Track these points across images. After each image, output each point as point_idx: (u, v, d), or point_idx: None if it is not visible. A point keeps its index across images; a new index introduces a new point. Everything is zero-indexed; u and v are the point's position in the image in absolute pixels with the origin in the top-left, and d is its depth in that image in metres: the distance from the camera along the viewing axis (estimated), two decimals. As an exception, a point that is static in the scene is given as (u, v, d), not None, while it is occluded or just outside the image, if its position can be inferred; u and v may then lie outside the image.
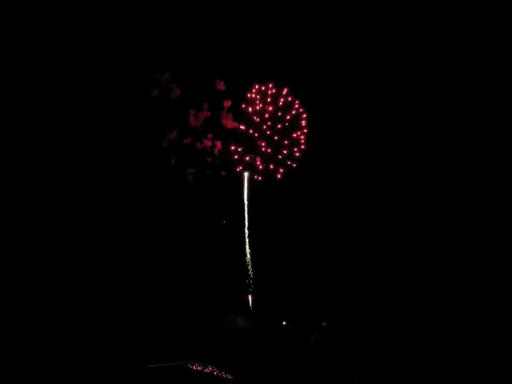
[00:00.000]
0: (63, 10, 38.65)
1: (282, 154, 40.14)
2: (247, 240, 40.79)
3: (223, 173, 40.97)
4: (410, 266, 38.46)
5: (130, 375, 32.46)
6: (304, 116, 40.28)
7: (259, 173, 40.07)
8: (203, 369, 33.68)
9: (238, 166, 40.11)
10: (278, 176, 39.81)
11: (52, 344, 32.93)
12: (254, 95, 40.14)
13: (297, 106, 40.27)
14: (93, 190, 39.39)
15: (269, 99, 40.15)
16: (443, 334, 34.07)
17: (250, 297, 40.22)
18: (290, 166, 40.12)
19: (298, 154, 40.15)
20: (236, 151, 39.83)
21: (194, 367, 33.65)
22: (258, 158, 40.05)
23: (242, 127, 39.79)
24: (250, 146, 40.11)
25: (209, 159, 41.01)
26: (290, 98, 40.21)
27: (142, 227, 40.05)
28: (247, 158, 40.05)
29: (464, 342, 33.05)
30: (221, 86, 40.45)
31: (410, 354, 33.23)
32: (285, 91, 40.10)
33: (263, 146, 40.08)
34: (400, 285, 38.02)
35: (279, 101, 40.23)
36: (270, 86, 40.13)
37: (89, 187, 39.34)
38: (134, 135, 40.42)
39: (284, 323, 37.95)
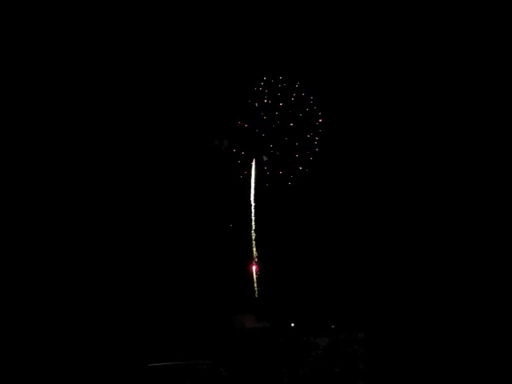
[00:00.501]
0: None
1: (292, 157, 35.54)
2: (254, 243, 38.03)
3: (230, 173, 37.30)
4: (422, 269, 36.06)
5: (130, 375, 32.25)
6: (319, 114, 35.01)
7: (267, 177, 36.03)
8: (207, 369, 32.83)
9: (242, 172, 36.14)
10: (289, 183, 35.62)
11: (52, 343, 33.12)
12: (261, 89, 34.94)
13: (311, 102, 34.90)
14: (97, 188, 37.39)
15: (278, 94, 34.90)
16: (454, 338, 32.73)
17: (257, 295, 38.46)
18: (303, 170, 35.66)
19: (311, 158, 35.44)
20: (239, 154, 35.66)
21: (198, 367, 32.80)
22: (265, 160, 35.84)
23: (247, 125, 35.18)
24: (257, 147, 35.74)
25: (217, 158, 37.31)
26: (303, 94, 34.78)
27: (144, 225, 38.08)
28: (253, 163, 35.88)
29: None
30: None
31: (420, 359, 32.47)
32: (297, 85, 34.64)
33: (271, 148, 35.55)
34: (412, 287, 35.85)
35: (291, 96, 34.89)
36: (280, 78, 34.67)
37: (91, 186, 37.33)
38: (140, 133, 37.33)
39: (292, 325, 36.62)
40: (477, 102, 34.93)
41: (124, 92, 36.52)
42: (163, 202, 38.36)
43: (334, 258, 37.64)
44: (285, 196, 36.82)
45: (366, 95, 36.49)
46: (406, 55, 35.79)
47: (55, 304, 34.19)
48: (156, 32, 36.34)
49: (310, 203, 37.84)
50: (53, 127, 36.17)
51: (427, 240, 36.18)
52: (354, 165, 36.86)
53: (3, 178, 34.99)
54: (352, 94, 36.34)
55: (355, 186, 36.95)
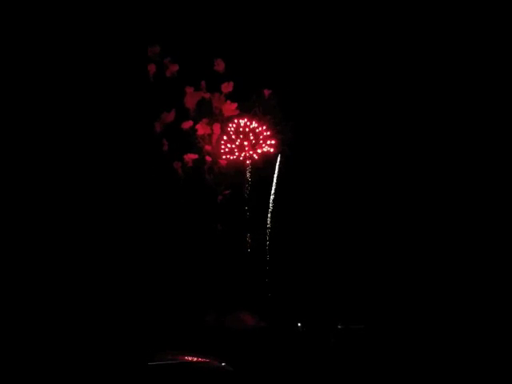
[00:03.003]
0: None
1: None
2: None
3: (223, 162, 37.55)
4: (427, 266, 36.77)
5: (130, 374, 32.24)
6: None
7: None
8: (212, 367, 32.93)
9: None
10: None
11: (51, 343, 33.15)
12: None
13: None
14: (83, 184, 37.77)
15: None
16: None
17: (260, 293, 38.81)
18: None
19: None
20: None
21: (204, 365, 32.82)
22: None
23: None
24: None
25: (208, 146, 37.48)
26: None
27: (149, 221, 38.75)
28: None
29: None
30: (220, 67, 35.65)
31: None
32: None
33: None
34: (417, 285, 36.47)
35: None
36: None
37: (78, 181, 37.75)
38: (125, 117, 37.32)
39: (299, 325, 36.83)
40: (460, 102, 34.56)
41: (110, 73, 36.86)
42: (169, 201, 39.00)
43: (342, 257, 37.80)
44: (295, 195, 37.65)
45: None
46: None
47: (55, 303, 34.77)
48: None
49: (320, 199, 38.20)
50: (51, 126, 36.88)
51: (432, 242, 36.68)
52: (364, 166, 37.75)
53: (3, 177, 35.58)
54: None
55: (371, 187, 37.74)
